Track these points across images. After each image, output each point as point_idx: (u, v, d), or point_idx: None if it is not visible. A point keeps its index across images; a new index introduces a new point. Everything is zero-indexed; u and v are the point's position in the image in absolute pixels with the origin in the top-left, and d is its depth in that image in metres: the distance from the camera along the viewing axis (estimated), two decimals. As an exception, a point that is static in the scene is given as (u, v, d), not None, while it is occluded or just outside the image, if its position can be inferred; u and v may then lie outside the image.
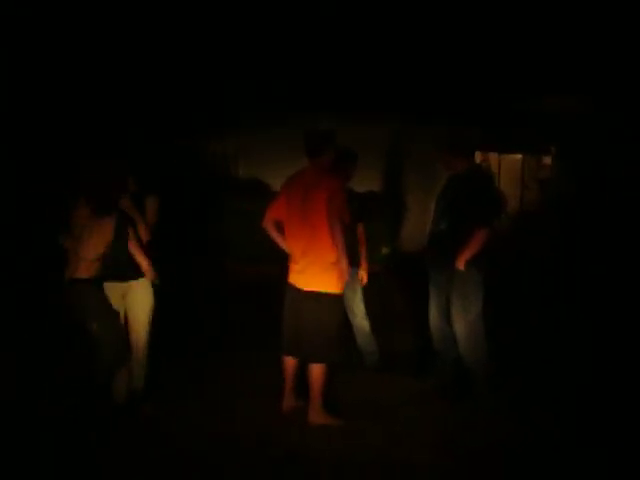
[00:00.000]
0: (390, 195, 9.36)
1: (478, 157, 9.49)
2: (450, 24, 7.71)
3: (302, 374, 3.72)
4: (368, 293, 4.50)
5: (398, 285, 6.87)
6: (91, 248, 3.40)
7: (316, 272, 3.55)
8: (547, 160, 10.45)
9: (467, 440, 3.49)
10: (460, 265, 3.81)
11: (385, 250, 8.05)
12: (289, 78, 8.34)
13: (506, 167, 10.20)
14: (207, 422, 3.65)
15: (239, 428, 3.58)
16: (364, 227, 4.45)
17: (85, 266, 3.44)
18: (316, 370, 3.59)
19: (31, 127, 7.49)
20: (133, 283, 3.69)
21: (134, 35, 7.69)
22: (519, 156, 10.44)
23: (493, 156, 10.07)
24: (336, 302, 3.63)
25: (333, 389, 3.88)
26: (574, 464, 3.28)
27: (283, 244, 3.75)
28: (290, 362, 3.74)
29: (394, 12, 7.46)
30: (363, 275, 4.41)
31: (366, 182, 5.08)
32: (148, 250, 3.66)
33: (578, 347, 5.11)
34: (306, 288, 3.59)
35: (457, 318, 3.96)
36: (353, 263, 4.17)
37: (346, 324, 4.36)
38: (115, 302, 3.61)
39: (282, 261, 3.84)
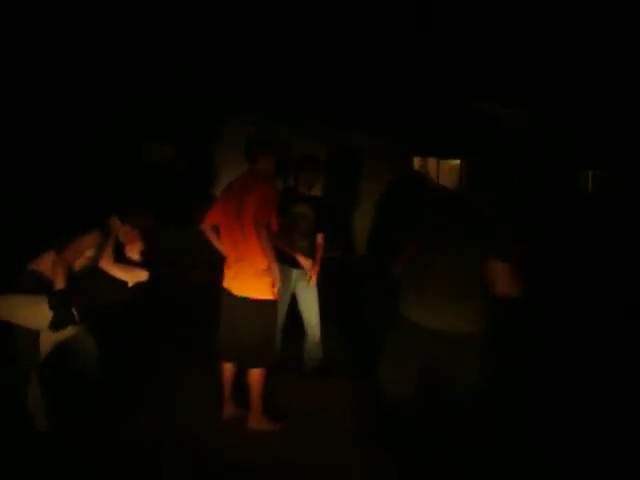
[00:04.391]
0: (337, 202, 9.38)
1: (417, 162, 9.67)
2: (390, 33, 7.73)
3: (242, 382, 3.68)
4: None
5: (341, 290, 6.88)
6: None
7: (248, 278, 3.54)
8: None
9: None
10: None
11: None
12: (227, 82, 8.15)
13: (445, 171, 10.41)
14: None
15: (169, 431, 3.57)
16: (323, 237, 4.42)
17: None
18: (253, 375, 3.57)
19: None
20: None
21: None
22: (458, 161, 10.67)
23: (432, 161, 10.26)
24: (268, 308, 3.60)
25: (274, 395, 3.87)
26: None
27: (220, 247, 3.74)
28: (227, 368, 3.72)
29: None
30: (312, 275, 4.32)
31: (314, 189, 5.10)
32: None
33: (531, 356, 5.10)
34: (239, 293, 3.57)
35: None
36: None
37: (291, 328, 4.41)
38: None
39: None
